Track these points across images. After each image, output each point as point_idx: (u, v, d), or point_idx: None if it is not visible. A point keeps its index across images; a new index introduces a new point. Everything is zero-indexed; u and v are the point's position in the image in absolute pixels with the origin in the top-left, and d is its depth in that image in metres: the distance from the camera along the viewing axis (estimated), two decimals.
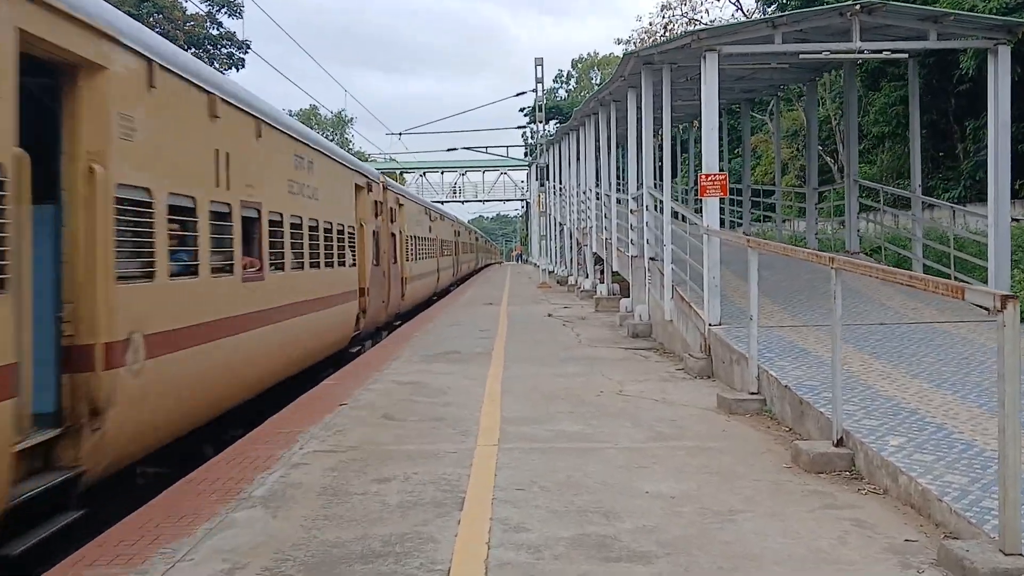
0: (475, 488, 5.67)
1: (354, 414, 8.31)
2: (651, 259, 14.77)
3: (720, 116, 27.37)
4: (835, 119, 41.88)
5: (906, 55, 12.53)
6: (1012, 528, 4.05)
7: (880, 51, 11.10)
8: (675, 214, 13.39)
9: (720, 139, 30.30)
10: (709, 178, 10.43)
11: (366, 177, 16.76)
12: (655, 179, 15.68)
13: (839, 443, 6.29)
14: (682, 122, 27.48)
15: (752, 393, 8.32)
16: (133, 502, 5.67)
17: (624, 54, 15.07)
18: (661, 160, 22.16)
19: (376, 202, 17.64)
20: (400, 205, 22.14)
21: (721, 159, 32.19)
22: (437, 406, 8.66)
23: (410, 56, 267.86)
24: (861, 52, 11.02)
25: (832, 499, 5.53)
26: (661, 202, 14.54)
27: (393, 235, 20.12)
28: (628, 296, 17.67)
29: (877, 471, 5.81)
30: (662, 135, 22.84)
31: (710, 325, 10.46)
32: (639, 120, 16.80)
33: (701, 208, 11.10)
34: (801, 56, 11.23)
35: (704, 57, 10.50)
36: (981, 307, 9.91)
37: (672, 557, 4.47)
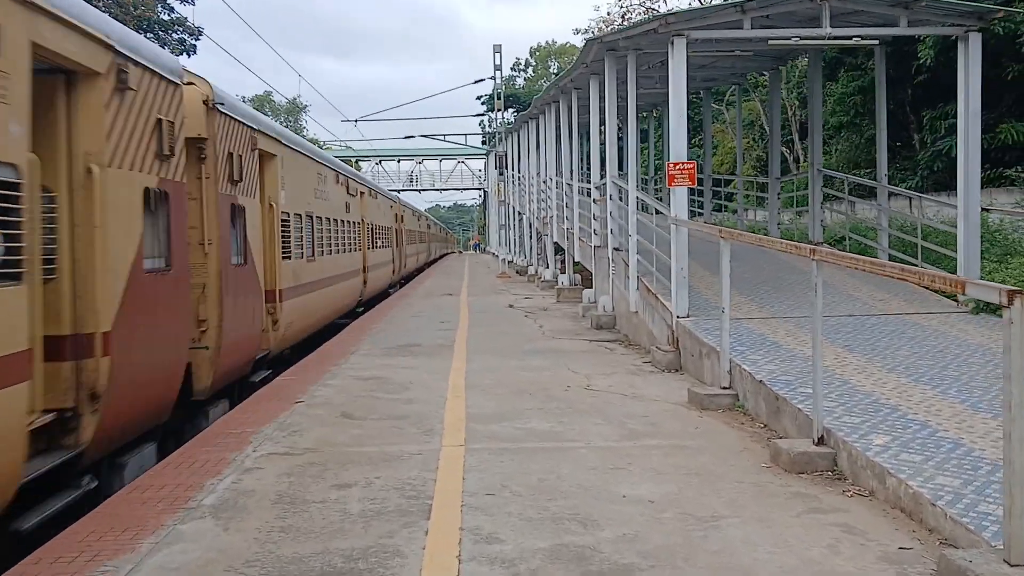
0: (442, 494, 5.33)
1: (311, 412, 7.91)
2: (615, 249, 14.51)
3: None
4: (791, 109, 42.18)
5: (876, 42, 12.35)
6: (1019, 538, 3.81)
7: (850, 37, 10.90)
8: (641, 204, 13.10)
9: None
10: (677, 167, 10.17)
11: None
12: (619, 168, 15.40)
13: (820, 441, 6.05)
14: (643, 111, 27.24)
15: (724, 388, 8.08)
16: None
17: (586, 40, 14.75)
18: (623, 149, 21.93)
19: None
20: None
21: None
22: (399, 403, 8.29)
23: (363, 41, 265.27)
24: (831, 38, 10.81)
25: (817, 502, 5.28)
26: (625, 191, 14.28)
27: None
28: (591, 287, 17.42)
29: (862, 472, 5.58)
30: (625, 123, 22.60)
31: (678, 317, 10.21)
32: (602, 108, 16.52)
33: (663, 197, 10.95)
34: (770, 42, 11.01)
35: (672, 42, 10.22)
36: (985, 302, 9.80)
37: (658, 571, 4.17)
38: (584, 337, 13.39)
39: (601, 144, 17.68)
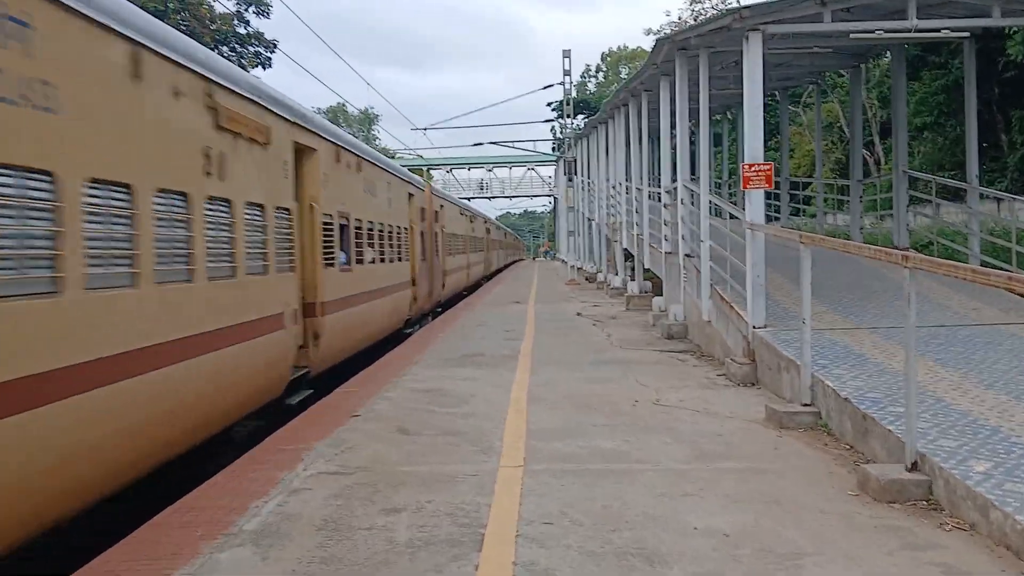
0: (497, 522, 4.94)
1: (367, 427, 7.61)
2: (686, 256, 13.95)
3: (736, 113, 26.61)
4: (871, 110, 40.81)
5: (966, 34, 11.58)
6: None
7: (938, 30, 10.21)
8: (714, 209, 12.55)
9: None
10: (752, 168, 9.62)
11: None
12: (691, 172, 14.85)
13: (913, 467, 5.49)
14: (715, 113, 26.50)
15: (805, 405, 7.52)
16: None
17: (656, 40, 14.25)
18: (695, 152, 21.29)
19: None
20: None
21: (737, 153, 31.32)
22: (457, 417, 7.94)
23: (432, 52, 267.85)
24: (917, 31, 10.13)
25: (912, 537, 4.74)
26: (697, 195, 13.73)
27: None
28: (661, 295, 16.87)
29: (962, 503, 5.01)
30: (697, 126, 21.97)
31: (754, 328, 9.65)
32: (673, 110, 15.98)
33: (737, 202, 10.41)
34: (852, 36, 10.38)
35: (747, 38, 9.68)
36: None
37: None
38: (654, 347, 12.87)
39: (672, 148, 17.14)
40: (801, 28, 10.16)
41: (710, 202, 12.54)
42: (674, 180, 16.63)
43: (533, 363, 11.43)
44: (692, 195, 14.00)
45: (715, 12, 40.63)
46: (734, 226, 11.77)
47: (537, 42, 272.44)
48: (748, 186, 9.63)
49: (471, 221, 35.53)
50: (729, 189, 26.58)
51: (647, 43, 70.80)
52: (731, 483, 5.70)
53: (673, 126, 16.40)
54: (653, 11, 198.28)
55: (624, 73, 77.46)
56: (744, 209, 10.43)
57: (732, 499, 5.37)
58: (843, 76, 39.28)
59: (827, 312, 10.54)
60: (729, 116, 27.28)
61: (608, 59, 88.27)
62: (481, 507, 5.22)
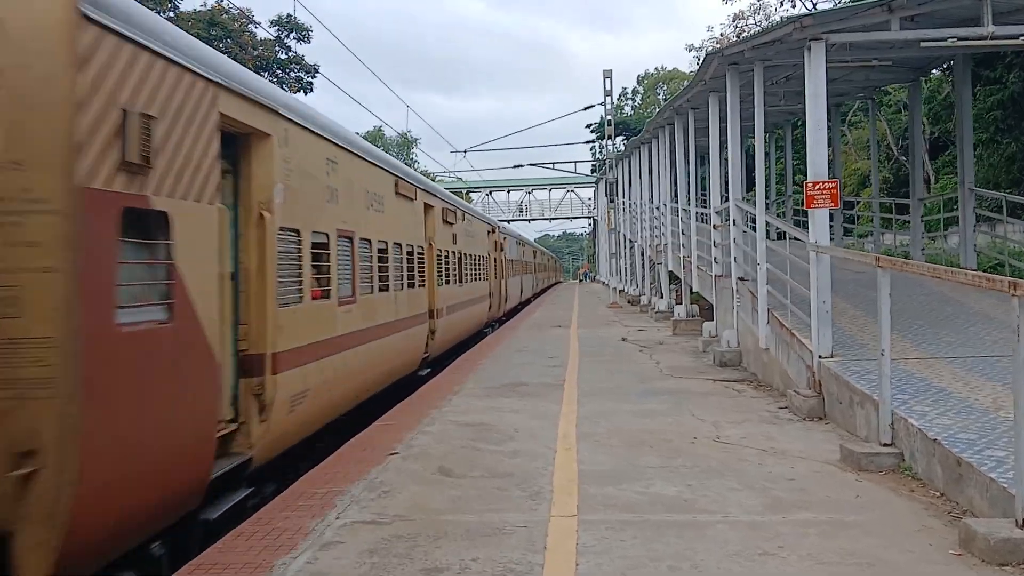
0: None
1: (405, 466, 7.06)
2: (740, 279, 13.29)
3: (796, 127, 25.75)
4: (921, 128, 39.70)
5: None
6: None
7: (1016, 36, 9.50)
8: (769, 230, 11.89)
9: (801, 148, 28.43)
10: (816, 186, 8.97)
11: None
12: (742, 190, 14.21)
13: None
14: (765, 131, 25.75)
15: (885, 445, 6.83)
16: None
17: (705, 55, 13.69)
18: (747, 171, 20.60)
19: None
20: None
21: (800, 172, 30.40)
22: (502, 456, 7.36)
23: (470, 75, 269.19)
24: (992, 38, 9.44)
25: None
26: (750, 216, 13.09)
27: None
28: (711, 319, 16.19)
29: None
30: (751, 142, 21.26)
31: (820, 358, 8.96)
32: (722, 129, 15.38)
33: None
34: (923, 45, 9.68)
35: (808, 48, 9.06)
36: None
37: None
38: (707, 376, 12.20)
39: (721, 166, 16.51)
40: (866, 37, 9.51)
41: (765, 223, 11.88)
42: (724, 200, 16.00)
43: (579, 393, 10.83)
44: (746, 216, 13.36)
45: (759, 28, 39.98)
46: (793, 249, 11.10)
47: (575, 65, 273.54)
48: (812, 205, 8.98)
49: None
50: (777, 209, 25.79)
51: (687, 60, 70.19)
52: (814, 540, 5.05)
53: (723, 144, 15.80)
54: (691, 30, 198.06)
55: (662, 95, 76.89)
56: (806, 229, 9.77)
57: (818, 560, 4.72)
58: (888, 94, 38.41)
59: (898, 340, 9.79)
60: (778, 134, 26.51)
61: (645, 81, 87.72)
62: (534, 568, 4.62)
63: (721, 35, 44.62)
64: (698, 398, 10.23)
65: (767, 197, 28.08)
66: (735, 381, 11.61)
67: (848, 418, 7.99)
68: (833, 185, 8.92)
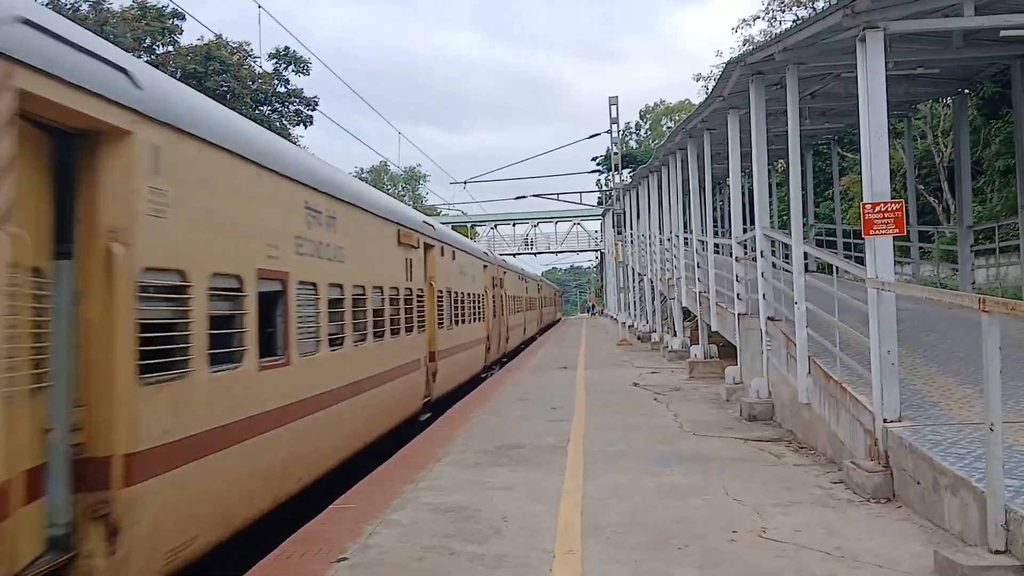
0: None
1: None
2: (770, 319, 11.53)
3: (803, 156, 23.93)
4: (939, 155, 38.12)
5: None
6: None
7: None
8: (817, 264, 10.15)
9: (805, 181, 26.80)
10: (877, 209, 7.25)
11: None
12: (772, 220, 12.50)
13: None
14: (780, 156, 23.97)
15: (997, 552, 5.04)
16: None
17: (726, 63, 12.06)
18: (772, 196, 18.86)
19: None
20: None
21: (807, 203, 28.54)
22: (483, 567, 5.57)
23: (466, 110, 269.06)
24: None
25: None
26: (783, 246, 11.36)
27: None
28: (732, 360, 14.41)
29: None
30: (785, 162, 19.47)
31: (886, 421, 7.17)
32: (744, 148, 13.71)
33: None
34: (1002, 34, 7.99)
35: (863, 38, 7.38)
36: None
37: None
38: (735, 433, 10.42)
39: (744, 192, 14.83)
40: (933, 25, 7.84)
41: (803, 254, 10.15)
42: (746, 229, 14.30)
43: (587, 459, 9.05)
44: (775, 246, 11.64)
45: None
46: (828, 283, 9.34)
47: (573, 97, 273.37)
48: (872, 232, 7.24)
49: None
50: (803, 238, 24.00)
51: (695, 90, 68.92)
52: None
53: (744, 168, 14.14)
54: (683, 61, 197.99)
55: (667, 126, 75.51)
56: (861, 262, 8.04)
57: None
58: (901, 121, 36.86)
59: (975, 396, 8.00)
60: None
61: (648, 116, 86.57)
62: None
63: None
64: (730, 467, 8.44)
65: (784, 227, 26.38)
66: (771, 442, 9.81)
67: (932, 505, 6.19)
68: (898, 207, 7.19)
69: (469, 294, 20.55)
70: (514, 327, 31.62)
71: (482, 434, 11.08)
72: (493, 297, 25.70)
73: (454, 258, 18.55)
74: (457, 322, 18.43)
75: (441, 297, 16.42)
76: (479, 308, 22.38)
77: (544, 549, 5.84)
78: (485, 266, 24.29)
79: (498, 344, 26.53)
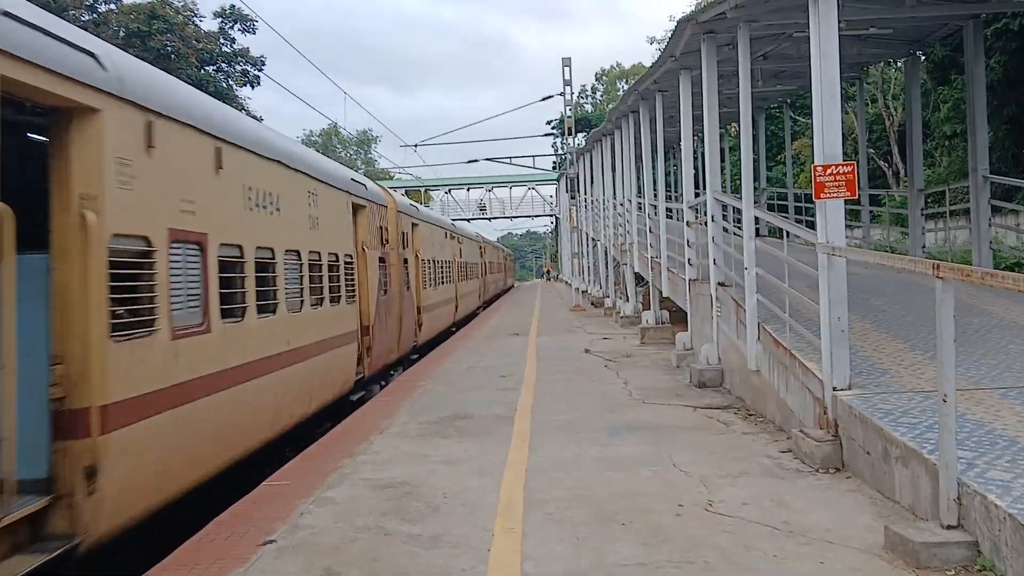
0: None
1: (277, 569, 4.98)
2: (720, 284, 11.36)
3: (755, 119, 23.73)
4: (889, 119, 38.34)
5: None
6: None
7: None
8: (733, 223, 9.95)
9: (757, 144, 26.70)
10: (828, 171, 7.03)
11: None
12: (721, 182, 12.29)
13: None
14: (729, 119, 23.72)
15: (950, 527, 4.88)
16: None
17: (678, 22, 11.76)
18: (725, 160, 18.65)
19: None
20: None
21: (759, 167, 28.46)
22: (418, 547, 5.28)
23: (414, 70, 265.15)
24: None
25: None
26: (735, 211, 11.17)
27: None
28: (683, 326, 14.26)
29: None
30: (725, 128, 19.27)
31: (835, 389, 7.01)
32: (697, 111, 13.48)
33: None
34: None
35: None
36: None
37: None
38: (685, 400, 10.26)
39: (695, 156, 14.59)
40: None
41: (754, 219, 9.95)
42: (698, 193, 14.09)
43: (533, 429, 8.82)
44: (725, 210, 11.45)
45: None
46: (779, 247, 9.16)
47: (524, 59, 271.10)
48: (823, 195, 7.02)
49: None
50: (755, 202, 23.95)
51: (649, 53, 68.58)
52: None
53: (696, 131, 13.90)
54: (633, 23, 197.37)
55: (622, 89, 75.09)
56: (812, 227, 7.83)
57: None
58: (853, 85, 37.02)
59: (926, 363, 7.89)
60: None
61: (604, 78, 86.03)
62: None
63: None
64: (679, 436, 8.25)
65: (735, 193, 26.32)
66: (720, 409, 9.66)
67: (882, 476, 6.03)
68: (850, 170, 6.97)
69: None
70: (431, 308, 21.32)
71: (428, 403, 10.81)
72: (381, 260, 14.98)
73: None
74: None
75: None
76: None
77: (484, 527, 5.58)
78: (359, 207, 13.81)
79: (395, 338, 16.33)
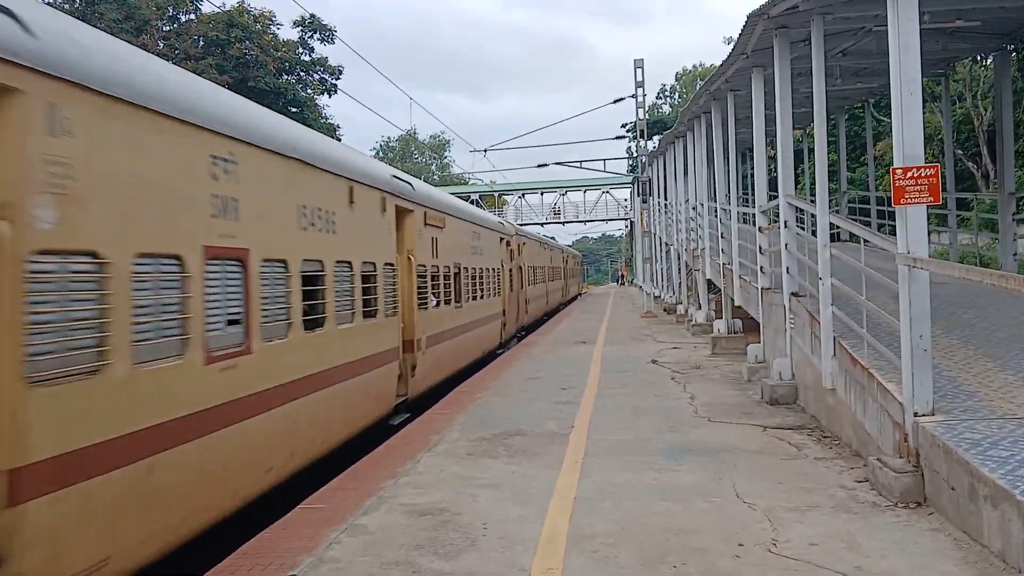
0: None
1: None
2: (794, 295, 10.67)
3: (835, 119, 22.63)
4: (978, 118, 36.54)
5: None
6: None
7: None
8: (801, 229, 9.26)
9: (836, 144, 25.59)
10: (908, 174, 6.37)
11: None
12: (803, 187, 11.61)
13: None
14: (805, 120, 22.70)
15: None
16: None
17: (748, 16, 11.08)
18: (804, 162, 17.73)
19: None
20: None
21: (840, 169, 27.32)
22: None
23: (489, 75, 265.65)
24: None
25: None
26: (809, 215, 10.47)
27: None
28: (756, 336, 13.55)
29: None
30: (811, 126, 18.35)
31: (916, 415, 6.35)
32: (770, 111, 12.76)
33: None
34: None
35: None
36: None
37: None
38: (755, 419, 9.62)
39: (770, 157, 13.89)
40: None
41: (829, 225, 9.26)
42: (771, 197, 13.37)
43: (587, 448, 8.32)
44: (799, 216, 10.75)
45: None
46: (857, 254, 8.46)
47: (597, 61, 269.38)
48: (903, 200, 6.37)
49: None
50: (834, 207, 22.90)
51: (725, 54, 67.12)
52: None
53: (769, 132, 13.20)
54: (714, 23, 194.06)
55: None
56: (891, 235, 7.16)
57: None
58: (939, 84, 35.28)
59: (1019, 385, 7.12)
60: (831, 122, 23.62)
61: (683, 78, 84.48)
62: None
63: None
64: (744, 461, 7.66)
65: (811, 196, 25.23)
66: (792, 429, 9.00)
67: (968, 516, 5.37)
68: (932, 173, 6.30)
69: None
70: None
71: (483, 417, 10.41)
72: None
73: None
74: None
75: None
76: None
77: (521, 567, 5.12)
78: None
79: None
